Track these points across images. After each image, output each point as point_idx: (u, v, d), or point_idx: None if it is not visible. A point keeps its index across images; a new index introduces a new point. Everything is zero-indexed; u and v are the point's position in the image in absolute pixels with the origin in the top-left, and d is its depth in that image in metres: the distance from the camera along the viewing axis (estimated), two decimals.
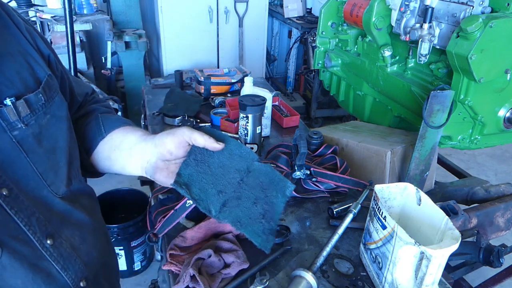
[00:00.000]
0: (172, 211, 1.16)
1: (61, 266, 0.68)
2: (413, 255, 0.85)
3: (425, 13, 1.54)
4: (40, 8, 3.34)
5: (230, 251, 1.05)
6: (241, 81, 2.20)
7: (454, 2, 1.49)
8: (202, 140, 0.85)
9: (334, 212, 1.23)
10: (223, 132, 0.91)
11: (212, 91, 2.19)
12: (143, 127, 2.26)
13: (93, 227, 0.80)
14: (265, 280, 0.96)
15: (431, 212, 0.94)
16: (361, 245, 1.07)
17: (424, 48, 1.55)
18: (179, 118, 1.85)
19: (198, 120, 1.90)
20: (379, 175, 1.56)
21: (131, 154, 0.87)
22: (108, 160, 0.89)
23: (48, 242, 0.66)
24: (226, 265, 1.02)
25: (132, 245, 2.35)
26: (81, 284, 0.72)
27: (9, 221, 0.62)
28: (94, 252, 0.78)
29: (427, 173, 1.59)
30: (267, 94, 1.72)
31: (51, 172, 0.70)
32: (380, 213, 0.93)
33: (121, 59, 3.54)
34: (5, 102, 0.62)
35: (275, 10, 4.61)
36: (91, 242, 0.78)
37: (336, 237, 1.06)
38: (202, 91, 2.19)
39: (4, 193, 0.61)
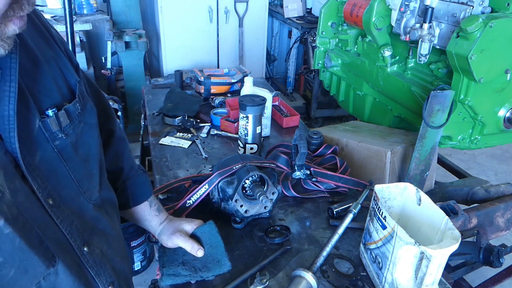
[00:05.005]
0: (172, 211, 1.16)
1: (95, 272, 0.69)
2: (413, 255, 0.85)
3: (425, 13, 1.54)
4: (40, 8, 3.34)
5: None
6: (241, 81, 2.20)
7: (454, 2, 1.49)
8: (189, 247, 0.99)
9: (334, 212, 1.23)
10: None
11: (212, 91, 2.19)
12: (143, 127, 2.26)
13: (115, 233, 0.82)
14: (265, 280, 0.96)
15: (431, 212, 0.94)
16: (361, 245, 1.07)
17: (424, 48, 1.55)
18: (179, 118, 1.85)
19: (198, 120, 1.90)
20: (379, 175, 1.56)
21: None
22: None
23: (85, 249, 0.68)
24: None
25: (132, 245, 2.34)
26: None
27: (57, 231, 0.63)
28: (117, 258, 0.80)
29: (427, 173, 1.59)
30: (267, 94, 1.72)
31: (86, 180, 0.72)
32: (380, 213, 0.93)
33: (121, 59, 3.54)
34: (47, 113, 0.63)
35: (275, 10, 4.61)
36: (115, 248, 0.79)
37: (336, 237, 1.06)
38: (202, 91, 2.19)
39: (50, 203, 0.62)
